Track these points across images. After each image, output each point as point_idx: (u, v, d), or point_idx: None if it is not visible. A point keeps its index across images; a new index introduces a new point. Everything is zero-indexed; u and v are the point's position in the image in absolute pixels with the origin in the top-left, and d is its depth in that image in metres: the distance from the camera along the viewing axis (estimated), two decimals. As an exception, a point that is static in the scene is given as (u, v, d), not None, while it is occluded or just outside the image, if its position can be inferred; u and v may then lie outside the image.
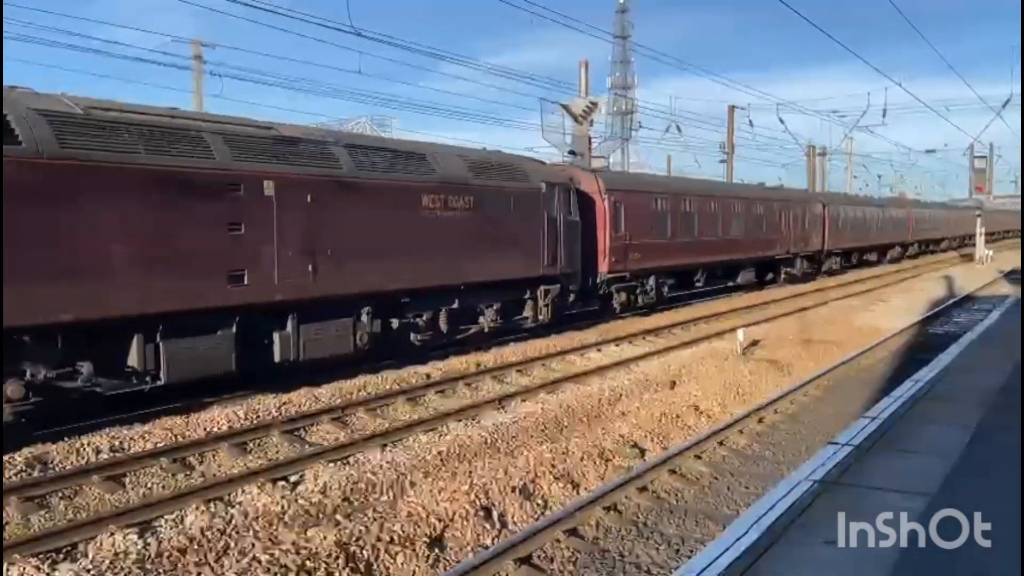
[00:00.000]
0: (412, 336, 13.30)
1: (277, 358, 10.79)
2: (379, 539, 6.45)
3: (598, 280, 18.22)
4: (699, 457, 8.83)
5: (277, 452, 8.99)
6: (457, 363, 13.38)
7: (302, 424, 9.81)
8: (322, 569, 5.95)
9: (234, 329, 10.06)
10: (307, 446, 9.20)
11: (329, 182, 11.22)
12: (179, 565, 5.98)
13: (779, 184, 37.40)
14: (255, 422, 9.67)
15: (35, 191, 8.19)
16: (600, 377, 12.97)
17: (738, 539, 4.34)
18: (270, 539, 6.39)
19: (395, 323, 12.72)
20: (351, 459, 8.60)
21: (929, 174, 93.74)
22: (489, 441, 9.25)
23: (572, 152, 24.41)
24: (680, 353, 15.22)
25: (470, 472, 8.01)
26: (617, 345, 15.98)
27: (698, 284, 23.73)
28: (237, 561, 6.02)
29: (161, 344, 9.37)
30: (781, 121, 43.16)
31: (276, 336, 10.73)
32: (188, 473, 8.19)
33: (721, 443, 9.39)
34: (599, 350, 15.43)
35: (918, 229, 45.69)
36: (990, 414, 7.14)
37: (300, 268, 10.73)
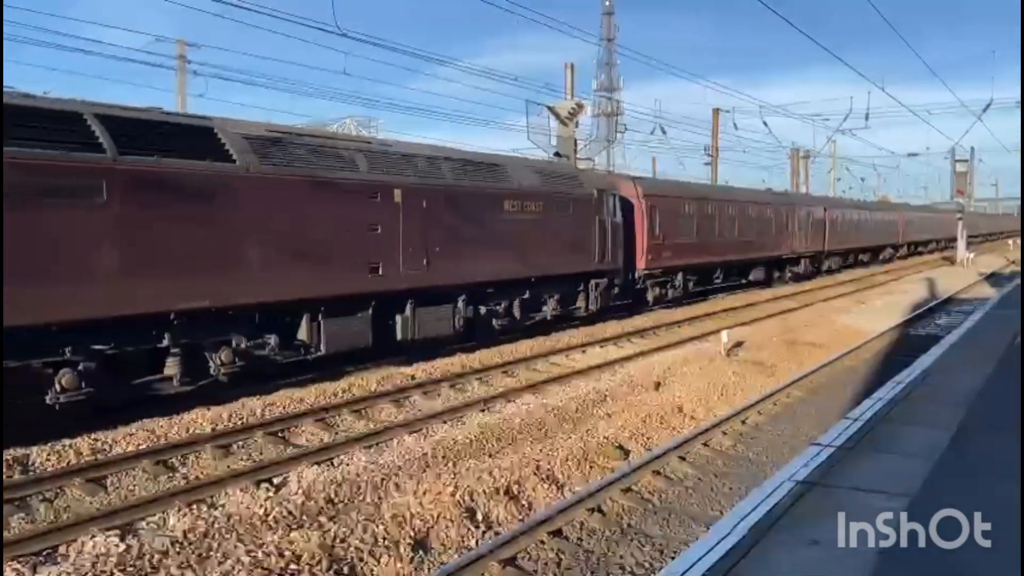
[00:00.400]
0: (494, 321, 15.21)
1: (399, 336, 12.92)
2: (363, 541, 6.43)
3: (636, 276, 20.29)
4: (683, 458, 8.86)
5: (261, 454, 8.95)
6: (442, 364, 13.37)
7: (286, 425, 9.77)
8: (306, 571, 5.92)
9: (370, 311, 12.19)
10: (291, 448, 9.16)
11: (437, 190, 13.37)
12: (161, 567, 5.94)
13: (785, 189, 38.03)
14: (239, 424, 9.63)
15: (246, 199, 10.27)
16: (585, 378, 13.00)
17: (721, 540, 4.36)
18: (253, 541, 6.35)
19: (482, 310, 14.75)
20: (335, 461, 8.57)
21: (911, 177, 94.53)
22: (474, 442, 9.25)
23: (557, 154, 24.40)
24: (665, 354, 15.26)
25: (455, 474, 8.01)
26: (602, 347, 16.01)
27: (717, 281, 25.45)
28: (220, 563, 5.98)
29: (321, 322, 11.44)
30: (765, 124, 43.33)
31: (398, 318, 12.87)
32: (171, 475, 8.14)
33: (705, 444, 9.43)
34: (584, 351, 15.45)
35: (908, 232, 47.36)
36: (970, 416, 7.21)
37: (417, 261, 12.83)
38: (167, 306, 9.44)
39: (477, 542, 6.71)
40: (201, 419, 9.66)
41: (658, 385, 12.63)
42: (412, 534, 6.64)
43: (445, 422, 10.23)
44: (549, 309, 16.72)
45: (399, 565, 6.20)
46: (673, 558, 5.83)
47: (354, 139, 13.18)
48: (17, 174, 8.05)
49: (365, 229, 11.98)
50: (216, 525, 6.66)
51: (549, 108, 25.34)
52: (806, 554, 4.29)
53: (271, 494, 7.48)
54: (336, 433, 9.80)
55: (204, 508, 7.12)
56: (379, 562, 6.20)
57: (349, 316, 11.84)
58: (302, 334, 11.34)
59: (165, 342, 9.66)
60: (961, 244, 43.66)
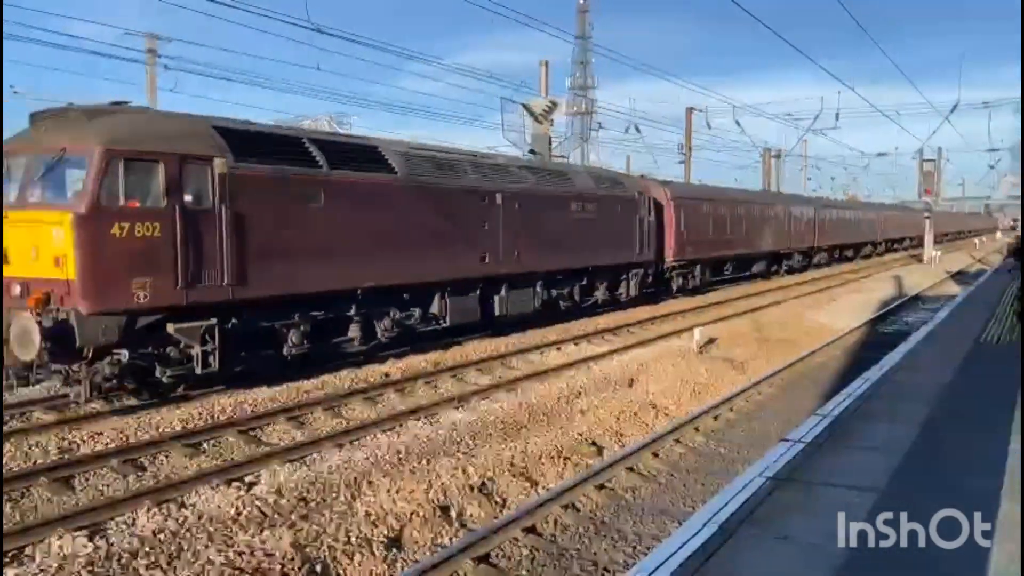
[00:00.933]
0: (561, 303, 18.06)
1: (496, 312, 15.74)
2: (336, 540, 6.40)
3: (665, 267, 23.11)
4: (656, 455, 8.91)
5: (232, 452, 8.86)
6: (416, 362, 13.33)
7: (258, 424, 9.68)
8: (278, 571, 5.88)
9: (478, 292, 15.13)
10: (263, 446, 9.07)
11: (525, 193, 16.35)
12: (130, 568, 5.86)
13: (780, 190, 39.11)
14: (210, 422, 9.53)
15: (402, 201, 13.01)
16: (559, 376, 13.02)
17: (693, 535, 4.39)
18: (224, 541, 6.30)
19: (553, 292, 17.72)
20: (308, 459, 8.50)
21: (880, 176, 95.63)
22: (448, 440, 9.23)
23: (532, 151, 24.42)
24: (638, 351, 15.34)
25: (429, 471, 7.99)
26: (576, 344, 16.05)
27: (727, 273, 28.14)
28: (190, 563, 5.92)
29: (447, 299, 14.27)
30: (738, 123, 43.56)
31: (496, 298, 15.71)
32: (140, 474, 8.03)
33: (678, 440, 9.49)
34: (558, 349, 15.49)
35: (886, 230, 50.74)
36: (937, 411, 7.33)
37: (511, 252, 15.70)
38: (356, 284, 12.31)
39: (451, 539, 6.71)
40: (171, 417, 9.55)
41: (632, 382, 12.70)
42: (386, 532, 6.63)
43: (419, 420, 10.19)
44: (600, 294, 19.62)
45: (373, 563, 6.18)
46: (646, 554, 5.86)
47: (467, 153, 16.34)
48: (269, 184, 10.71)
49: (478, 225, 14.88)
50: (186, 524, 6.59)
51: (524, 106, 25.35)
52: (776, 549, 4.33)
53: (242, 493, 7.40)
54: (309, 431, 9.72)
55: (174, 507, 7.03)
56: (352, 561, 6.17)
57: (465, 295, 14.69)
58: (434, 308, 14.21)
59: (352, 312, 12.48)
60: (928, 243, 44.39)
